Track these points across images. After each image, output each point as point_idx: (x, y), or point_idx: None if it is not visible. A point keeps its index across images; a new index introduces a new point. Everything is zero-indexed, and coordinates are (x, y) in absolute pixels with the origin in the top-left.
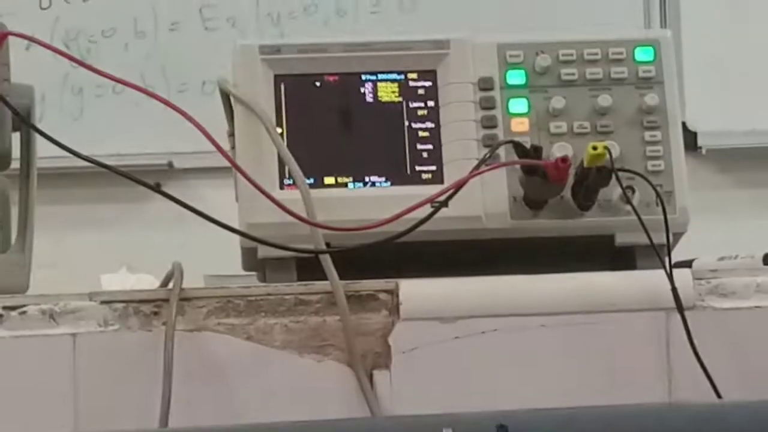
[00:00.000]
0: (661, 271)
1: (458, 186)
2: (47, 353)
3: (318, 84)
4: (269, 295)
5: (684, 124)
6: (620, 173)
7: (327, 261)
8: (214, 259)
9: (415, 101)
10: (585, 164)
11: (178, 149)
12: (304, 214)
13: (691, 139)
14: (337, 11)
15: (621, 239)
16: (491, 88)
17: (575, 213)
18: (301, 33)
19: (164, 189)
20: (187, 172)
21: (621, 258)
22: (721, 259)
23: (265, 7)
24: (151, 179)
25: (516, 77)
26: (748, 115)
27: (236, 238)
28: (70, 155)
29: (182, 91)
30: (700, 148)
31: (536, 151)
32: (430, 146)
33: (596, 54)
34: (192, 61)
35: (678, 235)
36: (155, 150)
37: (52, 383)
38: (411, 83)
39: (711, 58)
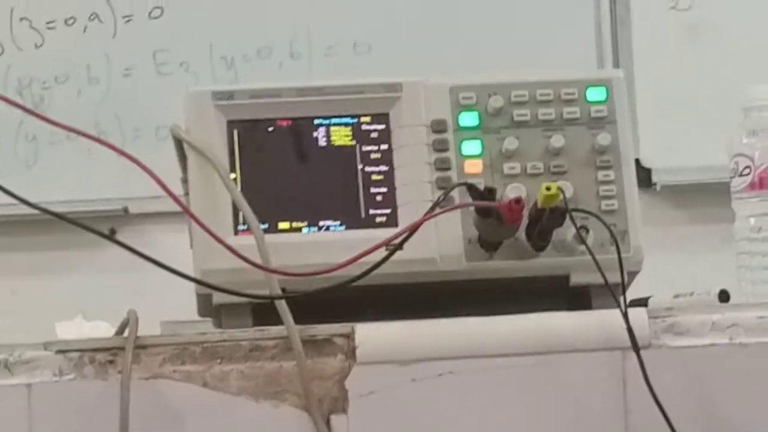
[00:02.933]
0: (617, 311)
1: (413, 229)
2: (2, 403)
3: (271, 129)
4: (225, 341)
5: (638, 161)
6: (574, 213)
7: (282, 306)
8: (171, 304)
9: (368, 145)
10: (539, 205)
11: (133, 195)
12: (258, 260)
13: (645, 176)
14: (291, 54)
15: (576, 279)
16: (444, 131)
17: (530, 254)
18: (255, 76)
19: (119, 234)
20: (142, 218)
21: (576, 298)
22: (677, 296)
23: (219, 50)
24: (106, 225)
25: (469, 119)
26: (702, 151)
27: (192, 283)
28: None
29: (136, 137)
30: (655, 184)
31: (490, 192)
32: (384, 189)
33: (548, 95)
34: (146, 107)
35: (633, 274)
36: (110, 195)
37: None
38: (364, 127)
39: (664, 95)
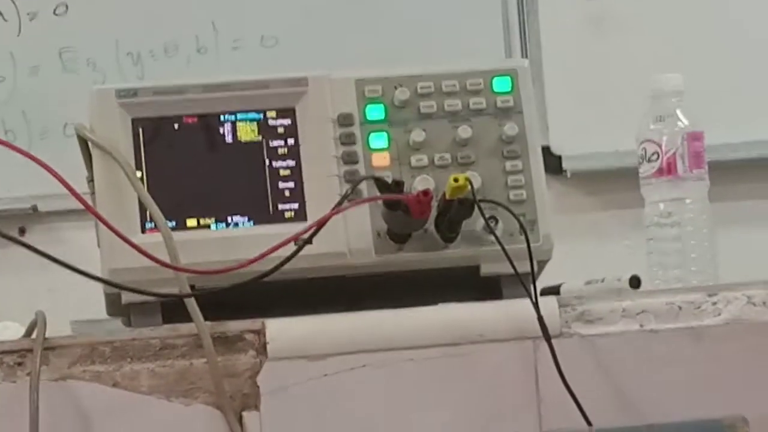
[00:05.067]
0: (527, 300)
1: (321, 223)
2: None
3: (177, 126)
4: (134, 340)
5: (548, 149)
6: (482, 204)
7: (192, 304)
8: (86, 302)
9: (275, 140)
10: (447, 196)
11: (43, 192)
12: (167, 258)
13: (556, 164)
14: (198, 49)
15: (486, 269)
16: (351, 124)
17: (439, 245)
18: (163, 72)
19: (29, 233)
20: (51, 216)
21: (487, 288)
22: (588, 282)
23: (125, 47)
24: (15, 223)
25: (375, 112)
26: (612, 137)
27: None
28: None
29: (44, 136)
30: (565, 171)
31: (398, 185)
32: (291, 184)
33: (454, 86)
34: (53, 105)
35: (543, 263)
36: (19, 194)
37: None
38: (270, 122)
39: (573, 83)
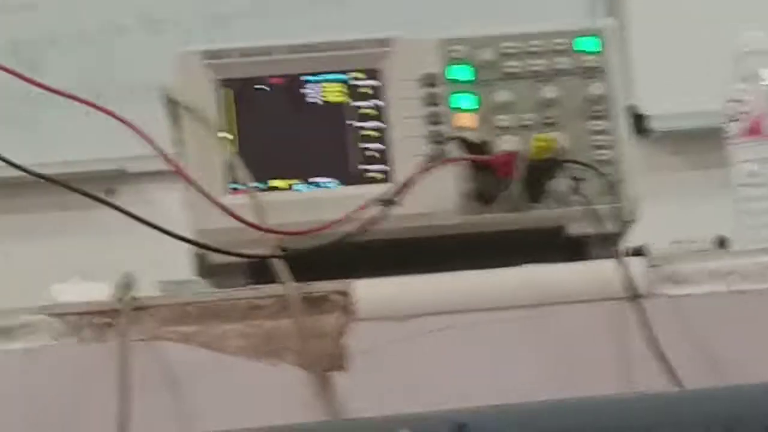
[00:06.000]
0: (613, 261)
1: (407, 184)
2: (1, 369)
3: (263, 87)
4: (222, 301)
5: (634, 108)
6: (568, 164)
7: (279, 265)
8: (170, 263)
9: (360, 100)
10: (532, 157)
11: (130, 154)
12: (253, 219)
13: (641, 123)
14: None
15: (572, 230)
16: (436, 84)
17: (525, 206)
18: (247, 34)
19: (117, 194)
20: (139, 177)
21: (573, 249)
22: (674, 243)
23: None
24: (103, 185)
25: (460, 72)
26: (698, 96)
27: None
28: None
29: (131, 98)
30: (651, 130)
31: (483, 145)
32: (376, 145)
33: (539, 46)
34: (139, 67)
35: (628, 223)
36: (107, 155)
37: (6, 400)
38: (355, 83)
39: (658, 41)
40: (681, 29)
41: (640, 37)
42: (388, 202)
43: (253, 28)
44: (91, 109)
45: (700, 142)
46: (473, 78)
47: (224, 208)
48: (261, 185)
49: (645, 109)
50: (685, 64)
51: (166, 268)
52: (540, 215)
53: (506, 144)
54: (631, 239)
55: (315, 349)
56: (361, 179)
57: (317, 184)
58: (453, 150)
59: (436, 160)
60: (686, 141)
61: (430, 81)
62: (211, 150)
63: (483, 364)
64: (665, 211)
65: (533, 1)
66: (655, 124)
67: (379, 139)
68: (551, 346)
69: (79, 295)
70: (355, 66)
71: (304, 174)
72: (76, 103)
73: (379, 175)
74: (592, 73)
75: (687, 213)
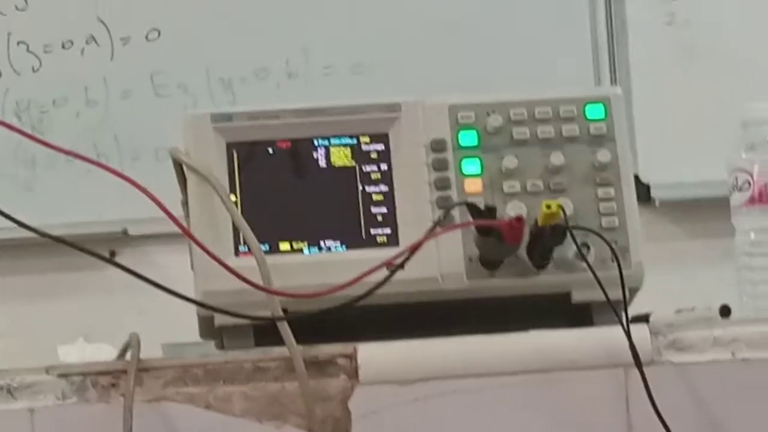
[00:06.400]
0: (619, 327)
1: (414, 248)
2: (5, 429)
3: (270, 150)
4: (227, 363)
5: (637, 177)
6: (575, 231)
7: (284, 328)
8: (173, 326)
9: (368, 165)
10: (539, 223)
11: (133, 216)
12: (260, 281)
13: (644, 192)
14: (288, 74)
15: (577, 296)
16: (444, 150)
17: (531, 271)
18: (253, 97)
19: (119, 256)
20: (142, 239)
21: (578, 315)
22: (678, 311)
23: (216, 72)
24: (106, 247)
25: (468, 138)
26: (701, 166)
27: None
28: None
29: (135, 158)
30: (654, 200)
31: (490, 211)
32: (384, 209)
33: (547, 112)
34: (144, 128)
35: (634, 290)
36: (110, 218)
37: None
38: (363, 147)
39: (662, 111)
40: (683, 98)
41: (642, 106)
42: (394, 266)
43: (255, 94)
44: (92, 170)
45: (702, 212)
46: (481, 143)
47: (231, 270)
48: (268, 248)
49: (647, 177)
50: (687, 133)
51: (168, 331)
52: (546, 281)
53: (513, 210)
54: (636, 308)
55: (320, 413)
56: (368, 243)
57: (324, 247)
58: (460, 215)
59: (442, 225)
60: (688, 210)
61: (438, 146)
62: (219, 212)
63: (488, 429)
64: (667, 280)
65: (539, 73)
66: (657, 193)
67: (386, 203)
68: (557, 412)
69: (85, 356)
70: (363, 130)
71: (311, 237)
72: (76, 165)
73: (386, 239)
74: (600, 140)
75: (689, 282)
